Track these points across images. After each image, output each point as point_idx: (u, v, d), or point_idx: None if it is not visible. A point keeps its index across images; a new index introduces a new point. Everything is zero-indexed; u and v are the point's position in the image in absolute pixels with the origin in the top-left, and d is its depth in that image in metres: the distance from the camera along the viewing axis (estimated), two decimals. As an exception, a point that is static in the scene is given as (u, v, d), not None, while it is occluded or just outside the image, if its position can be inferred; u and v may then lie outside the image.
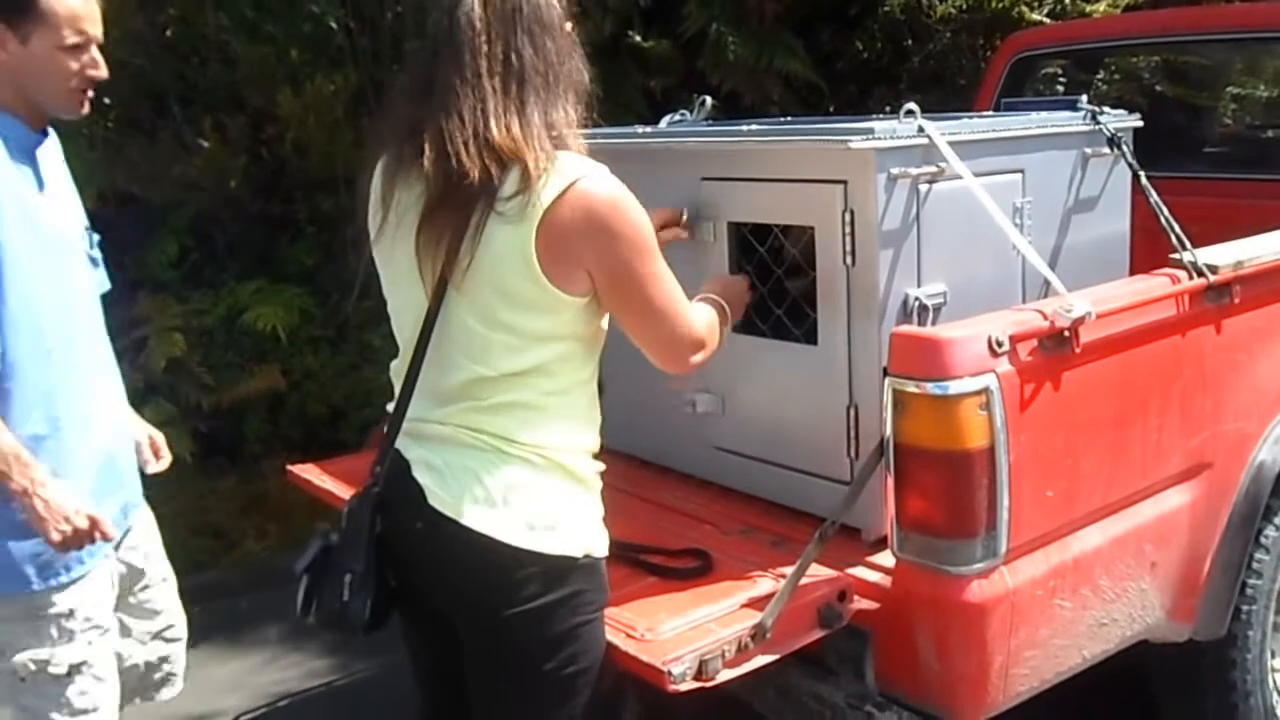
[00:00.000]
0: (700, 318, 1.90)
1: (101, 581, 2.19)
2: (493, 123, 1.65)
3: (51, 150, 2.17)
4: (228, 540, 4.51)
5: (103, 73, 2.11)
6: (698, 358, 1.88)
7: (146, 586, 2.40)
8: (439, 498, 1.75)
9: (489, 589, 1.76)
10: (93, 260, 2.25)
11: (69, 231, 2.15)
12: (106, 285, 2.36)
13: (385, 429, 1.86)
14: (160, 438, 2.49)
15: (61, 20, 2.01)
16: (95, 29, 2.07)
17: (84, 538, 1.99)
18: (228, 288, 5.09)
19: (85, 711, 2.15)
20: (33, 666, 2.08)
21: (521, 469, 1.75)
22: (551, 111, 1.70)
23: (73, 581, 2.10)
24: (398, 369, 1.86)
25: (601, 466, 1.87)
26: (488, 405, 1.75)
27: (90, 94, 2.12)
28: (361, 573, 1.79)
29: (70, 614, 2.11)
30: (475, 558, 1.74)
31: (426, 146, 1.68)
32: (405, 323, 1.82)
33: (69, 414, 2.09)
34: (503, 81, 1.67)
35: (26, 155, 2.06)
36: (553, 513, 1.76)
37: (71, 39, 2.02)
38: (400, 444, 1.82)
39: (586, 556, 1.78)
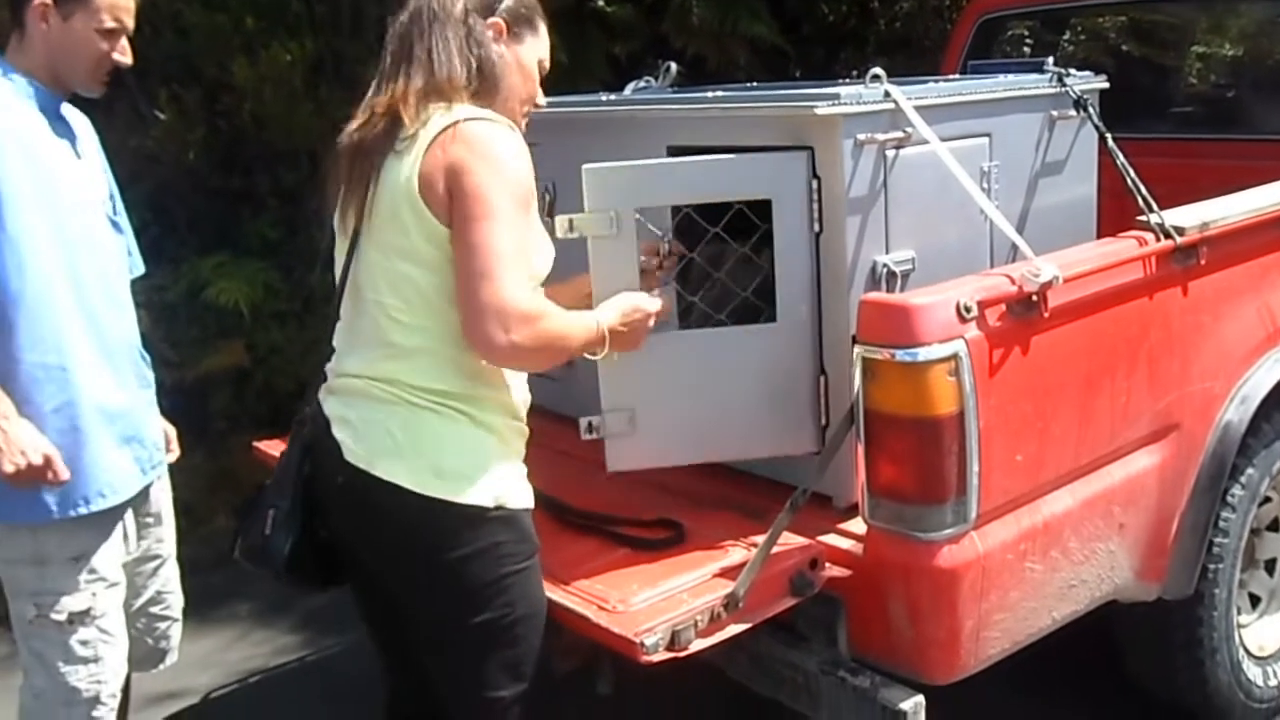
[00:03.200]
0: (540, 305, 1.79)
1: (114, 535, 2.25)
2: (382, 94, 1.85)
3: (79, 121, 2.32)
4: (196, 517, 4.45)
5: (128, 59, 2.26)
6: (504, 338, 1.71)
7: (156, 557, 2.45)
8: (353, 452, 1.82)
9: (405, 540, 1.81)
10: (115, 224, 2.36)
11: (86, 189, 2.26)
12: (140, 268, 2.50)
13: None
14: (172, 431, 2.56)
15: (102, 6, 2.17)
16: (129, 20, 2.24)
17: (38, 474, 2.04)
18: (189, 263, 5.00)
19: (86, 661, 2.21)
20: (34, 610, 2.17)
21: (430, 418, 1.80)
22: (435, 75, 1.83)
23: (79, 519, 2.16)
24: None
25: (521, 426, 1.91)
26: (397, 350, 1.81)
27: (108, 76, 2.26)
28: (286, 509, 1.89)
29: (76, 561, 2.17)
30: (389, 509, 1.80)
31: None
32: (338, 268, 1.92)
33: (78, 355, 2.17)
34: (394, 62, 1.86)
35: (44, 110, 2.19)
36: (462, 462, 1.80)
37: (108, 24, 2.18)
38: (322, 397, 1.92)
39: (500, 507, 1.81)
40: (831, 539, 2.21)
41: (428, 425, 1.80)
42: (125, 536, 2.30)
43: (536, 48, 1.97)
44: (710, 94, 2.53)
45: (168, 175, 5.07)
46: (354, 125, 1.87)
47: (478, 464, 1.81)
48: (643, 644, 1.85)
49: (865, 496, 2.10)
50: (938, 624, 2.06)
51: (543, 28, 1.98)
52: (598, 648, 1.96)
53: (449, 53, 1.84)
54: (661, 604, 1.96)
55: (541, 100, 2.02)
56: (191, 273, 4.96)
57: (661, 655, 1.88)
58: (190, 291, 4.92)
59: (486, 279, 1.72)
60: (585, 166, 2.15)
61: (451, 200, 1.74)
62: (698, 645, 1.92)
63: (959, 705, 2.14)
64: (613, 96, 2.86)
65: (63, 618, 2.17)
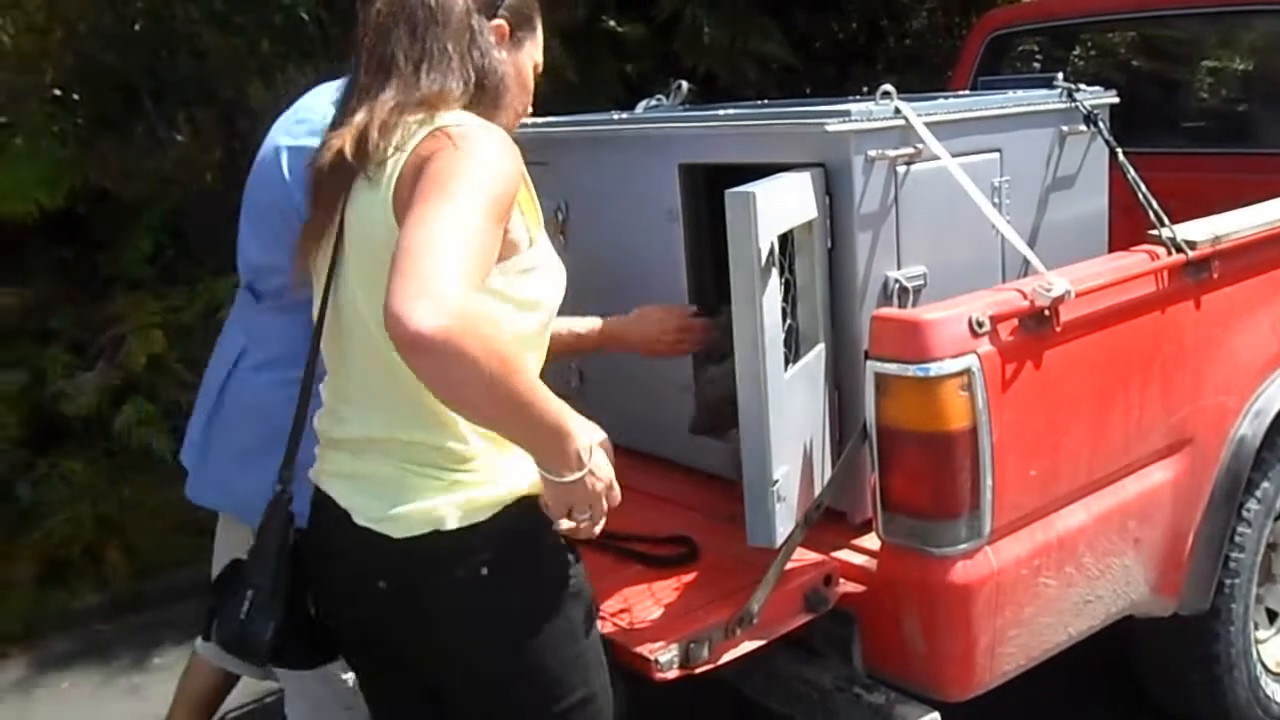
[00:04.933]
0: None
1: None
2: (359, 112, 1.54)
3: None
4: (213, 537, 4.48)
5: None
6: (431, 320, 1.26)
7: None
8: (401, 522, 1.52)
9: (481, 622, 1.55)
10: None
11: None
12: None
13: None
14: None
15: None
16: None
17: None
18: (204, 283, 5.04)
19: None
20: None
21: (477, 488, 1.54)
22: (421, 89, 1.53)
23: None
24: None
25: None
26: (409, 416, 1.53)
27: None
28: (268, 590, 1.61)
29: None
30: (456, 581, 1.53)
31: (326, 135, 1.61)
32: (310, 315, 1.67)
33: None
34: (374, 73, 1.56)
35: None
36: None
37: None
38: (324, 479, 1.63)
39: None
40: (845, 555, 2.21)
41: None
42: None
43: (534, 52, 1.73)
44: (721, 112, 2.54)
45: (183, 197, 5.11)
46: (319, 152, 1.58)
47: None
48: (657, 661, 1.85)
49: (879, 512, 2.10)
50: (952, 640, 2.06)
51: (540, 27, 1.74)
52: (612, 665, 1.96)
53: (445, 68, 1.56)
54: (675, 620, 1.97)
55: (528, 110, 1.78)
56: (206, 293, 4.99)
57: (676, 672, 1.88)
58: (205, 312, 4.96)
59: (427, 251, 1.32)
60: (753, 190, 1.90)
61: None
62: (712, 662, 1.92)
63: (974, 721, 2.14)
64: (624, 115, 2.88)
65: None
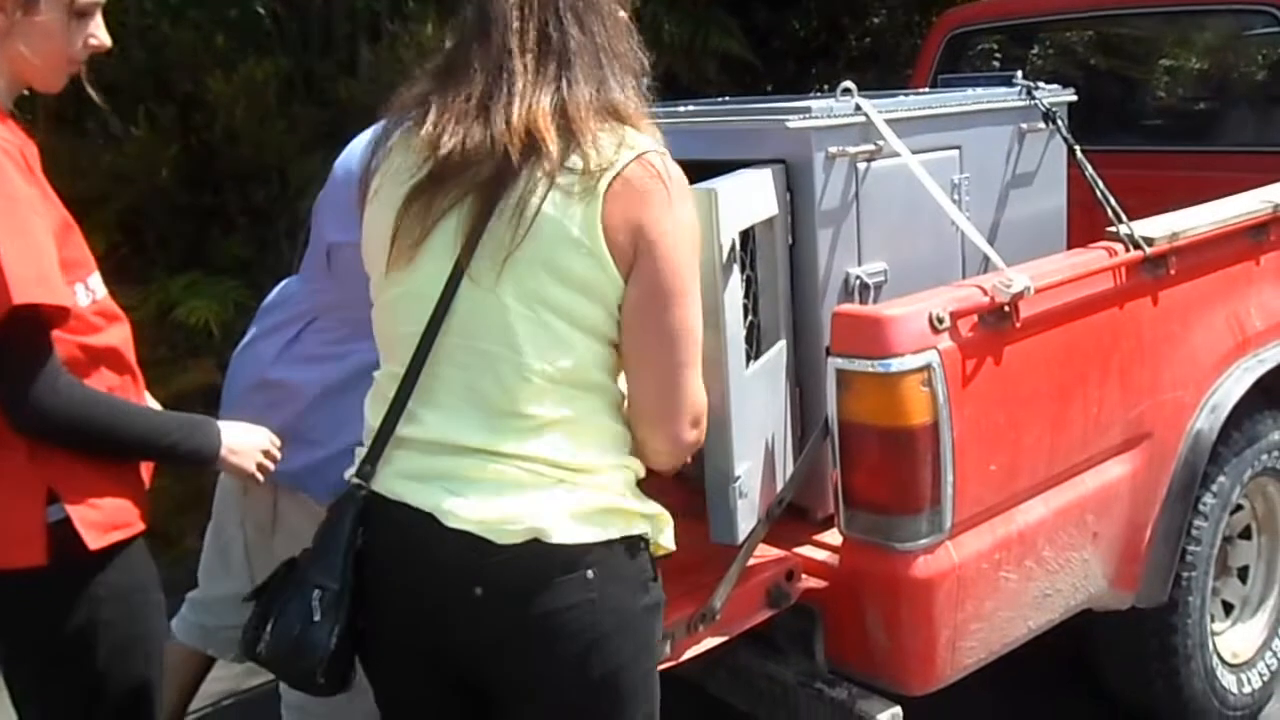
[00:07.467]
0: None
1: None
2: (516, 102, 1.43)
3: None
4: (166, 539, 4.40)
5: None
6: (691, 437, 1.52)
7: None
8: (508, 530, 1.43)
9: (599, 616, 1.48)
10: None
11: None
12: None
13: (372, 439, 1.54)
14: None
15: None
16: None
17: None
18: (158, 282, 4.97)
19: None
20: None
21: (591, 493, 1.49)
22: (608, 91, 1.47)
23: None
24: (390, 375, 1.54)
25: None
26: (539, 421, 1.46)
27: None
28: (336, 591, 1.48)
29: None
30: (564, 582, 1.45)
31: (431, 119, 1.48)
32: (405, 313, 1.51)
33: None
34: (536, 60, 1.46)
35: None
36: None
37: None
38: (393, 480, 1.51)
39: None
40: (808, 550, 2.21)
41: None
42: None
43: None
44: (683, 109, 2.53)
45: (137, 194, 5.04)
46: (449, 135, 1.44)
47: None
48: (619, 658, 1.83)
49: (841, 507, 2.10)
50: (914, 634, 2.07)
51: None
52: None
53: (616, 62, 1.49)
54: (638, 618, 1.95)
55: None
56: (161, 292, 4.92)
57: (638, 669, 1.86)
58: (160, 311, 4.89)
59: (689, 369, 1.48)
60: (714, 186, 1.88)
61: (636, 258, 1.43)
62: (674, 659, 1.91)
63: (936, 715, 2.14)
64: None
65: None
